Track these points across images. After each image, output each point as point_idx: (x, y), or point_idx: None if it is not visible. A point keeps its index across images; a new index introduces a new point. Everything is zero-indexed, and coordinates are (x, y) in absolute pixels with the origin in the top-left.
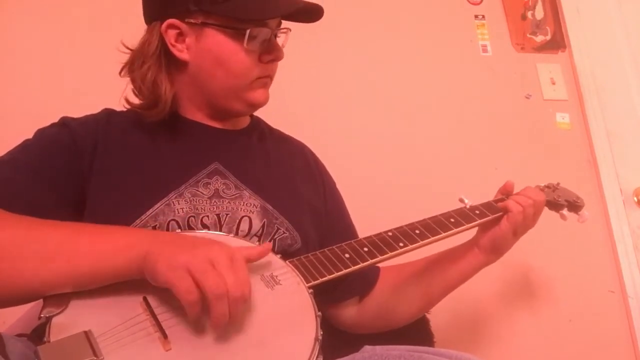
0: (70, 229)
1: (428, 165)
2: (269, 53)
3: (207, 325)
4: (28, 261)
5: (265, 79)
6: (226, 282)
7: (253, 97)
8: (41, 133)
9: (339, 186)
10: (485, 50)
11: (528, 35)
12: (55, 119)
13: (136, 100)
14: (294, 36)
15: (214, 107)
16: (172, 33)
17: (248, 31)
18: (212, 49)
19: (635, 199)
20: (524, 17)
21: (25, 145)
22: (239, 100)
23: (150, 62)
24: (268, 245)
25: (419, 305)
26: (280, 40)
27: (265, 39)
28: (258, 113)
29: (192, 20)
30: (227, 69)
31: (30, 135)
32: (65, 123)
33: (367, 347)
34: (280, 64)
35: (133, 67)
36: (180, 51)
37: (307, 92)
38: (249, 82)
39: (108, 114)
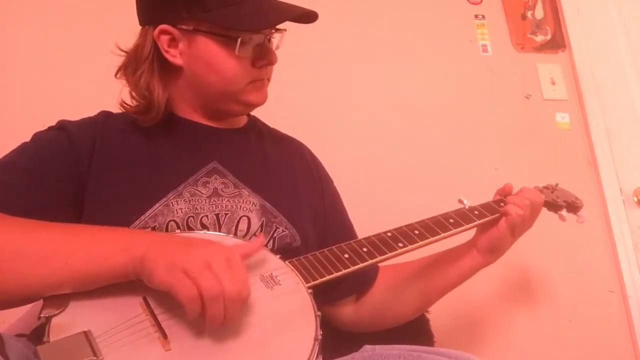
0: (68, 230)
1: (427, 166)
2: (262, 58)
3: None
4: (26, 262)
5: (260, 82)
6: (222, 282)
7: (249, 99)
8: (38, 136)
9: (338, 186)
10: (485, 50)
11: (528, 35)
12: (53, 122)
13: (132, 103)
14: (293, 36)
15: (210, 108)
16: (164, 38)
17: (239, 39)
18: (203, 56)
19: (635, 199)
20: (524, 17)
21: (22, 149)
22: (235, 103)
23: (144, 67)
24: (260, 238)
25: (417, 304)
26: (275, 41)
27: (258, 44)
28: (256, 113)
29: (184, 27)
30: (219, 75)
31: (27, 138)
32: (62, 126)
33: (367, 347)
34: (279, 63)
35: (127, 70)
36: (174, 56)
37: (307, 92)
38: (243, 87)
39: (105, 116)
